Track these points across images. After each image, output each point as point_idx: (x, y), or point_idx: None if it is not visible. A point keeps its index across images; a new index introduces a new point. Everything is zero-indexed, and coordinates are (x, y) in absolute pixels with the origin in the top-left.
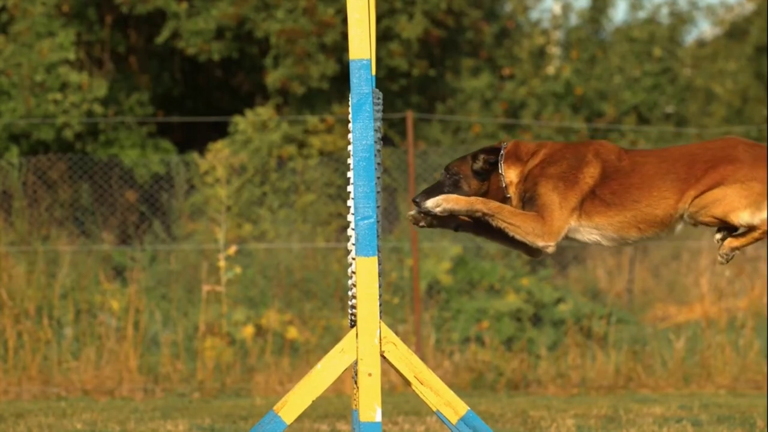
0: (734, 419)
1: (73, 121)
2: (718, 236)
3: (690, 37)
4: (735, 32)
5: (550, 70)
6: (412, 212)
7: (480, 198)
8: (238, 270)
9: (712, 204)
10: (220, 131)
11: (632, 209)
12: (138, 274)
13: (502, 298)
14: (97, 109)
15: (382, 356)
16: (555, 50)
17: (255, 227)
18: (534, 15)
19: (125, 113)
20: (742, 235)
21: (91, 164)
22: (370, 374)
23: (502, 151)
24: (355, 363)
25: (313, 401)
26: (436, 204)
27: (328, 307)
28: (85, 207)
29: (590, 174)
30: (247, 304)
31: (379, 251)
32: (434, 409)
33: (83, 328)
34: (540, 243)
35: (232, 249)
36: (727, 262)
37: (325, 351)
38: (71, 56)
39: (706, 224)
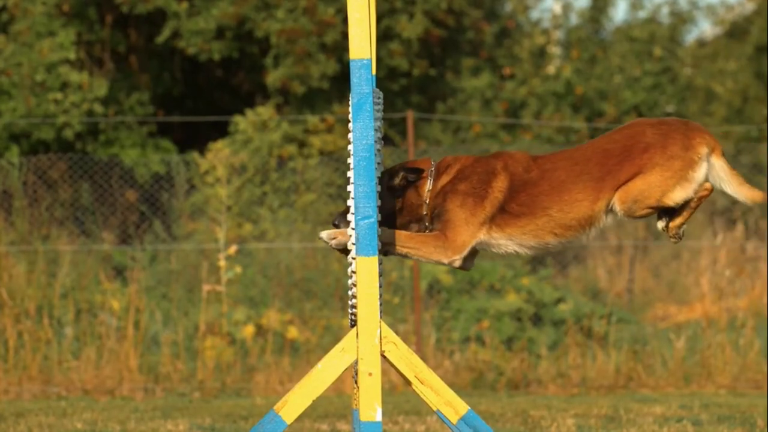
0: (734, 419)
1: (73, 121)
2: (661, 224)
3: (690, 36)
4: (735, 32)
5: (551, 69)
6: (323, 236)
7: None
8: (238, 270)
9: (641, 196)
10: (221, 131)
11: (543, 216)
12: (138, 274)
13: (502, 297)
14: (98, 108)
15: (383, 356)
16: (555, 50)
17: (255, 227)
18: (534, 15)
19: (125, 113)
20: (682, 210)
21: (92, 164)
22: (370, 374)
23: (432, 168)
24: (356, 363)
25: (313, 401)
26: (330, 236)
27: (328, 307)
28: (86, 207)
29: (498, 188)
30: (248, 303)
31: (379, 251)
32: (435, 409)
33: (83, 327)
34: (444, 260)
35: (233, 249)
36: (681, 239)
37: (326, 351)
38: (71, 56)
39: (645, 216)
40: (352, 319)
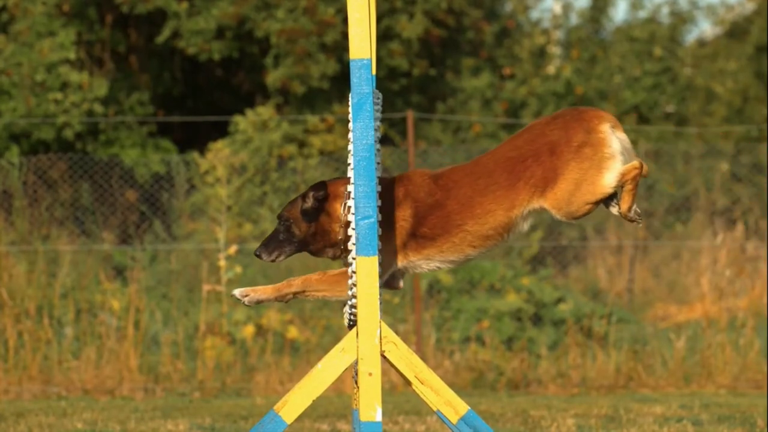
0: (735, 419)
1: (73, 121)
2: (615, 210)
3: (690, 36)
4: (735, 32)
5: (551, 69)
6: (236, 293)
7: (284, 282)
8: (238, 269)
9: (573, 197)
10: (221, 131)
11: (459, 233)
12: (138, 274)
13: (502, 297)
14: (98, 108)
15: (383, 356)
16: (555, 50)
17: (255, 227)
18: (534, 14)
19: (125, 113)
20: (623, 192)
21: (92, 164)
22: (370, 374)
23: (348, 190)
24: (356, 363)
25: (313, 401)
26: (243, 294)
27: (328, 307)
28: (86, 207)
29: (402, 217)
30: None
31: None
32: (434, 409)
33: (83, 327)
34: None
35: (233, 249)
36: (640, 219)
37: (326, 350)
38: (71, 56)
39: (591, 211)
40: (350, 321)
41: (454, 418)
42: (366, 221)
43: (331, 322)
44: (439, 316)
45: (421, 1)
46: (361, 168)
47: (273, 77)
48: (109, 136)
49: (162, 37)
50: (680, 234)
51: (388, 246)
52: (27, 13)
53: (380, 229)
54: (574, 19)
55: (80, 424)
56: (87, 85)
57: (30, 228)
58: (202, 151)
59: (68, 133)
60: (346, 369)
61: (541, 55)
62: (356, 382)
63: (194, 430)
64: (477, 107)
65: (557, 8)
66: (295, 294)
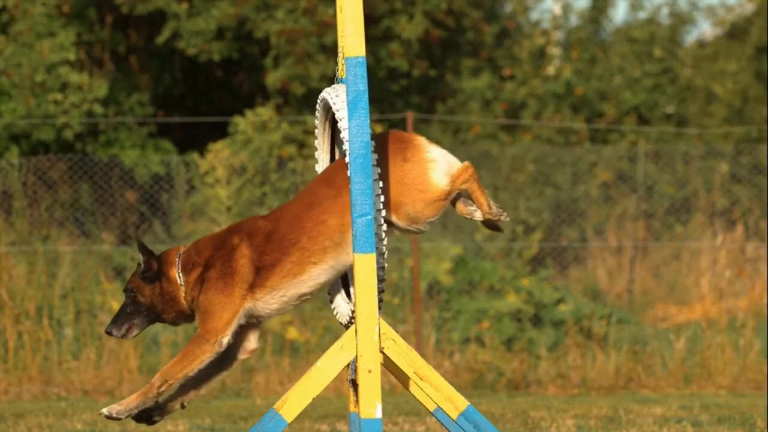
0: (734, 419)
1: (73, 122)
2: (478, 215)
3: (690, 37)
4: (735, 32)
5: (551, 70)
6: (104, 413)
7: (147, 385)
8: None
9: (407, 200)
10: (221, 131)
11: (296, 251)
12: None
13: (502, 298)
14: (98, 109)
15: (382, 352)
16: (555, 50)
17: None
18: (534, 15)
19: (125, 113)
20: (472, 197)
21: (92, 164)
22: (369, 371)
23: (180, 252)
24: (354, 361)
25: (313, 399)
26: (110, 410)
27: (328, 307)
28: (86, 207)
29: (242, 255)
30: None
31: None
32: (432, 409)
33: (83, 328)
34: (216, 348)
35: None
36: (504, 214)
37: (325, 351)
38: (71, 56)
39: (434, 215)
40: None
41: (454, 414)
42: (363, 218)
43: (331, 323)
44: (439, 316)
45: (420, 1)
46: (358, 165)
47: (273, 78)
48: (109, 137)
49: (162, 38)
50: (680, 235)
51: (234, 292)
52: (27, 14)
53: (222, 281)
54: (573, 20)
55: (80, 424)
56: (87, 85)
57: (30, 228)
58: (202, 151)
59: (68, 134)
60: (345, 366)
61: (541, 55)
62: (351, 382)
63: (194, 431)
64: (477, 108)
65: (557, 9)
66: (159, 389)
